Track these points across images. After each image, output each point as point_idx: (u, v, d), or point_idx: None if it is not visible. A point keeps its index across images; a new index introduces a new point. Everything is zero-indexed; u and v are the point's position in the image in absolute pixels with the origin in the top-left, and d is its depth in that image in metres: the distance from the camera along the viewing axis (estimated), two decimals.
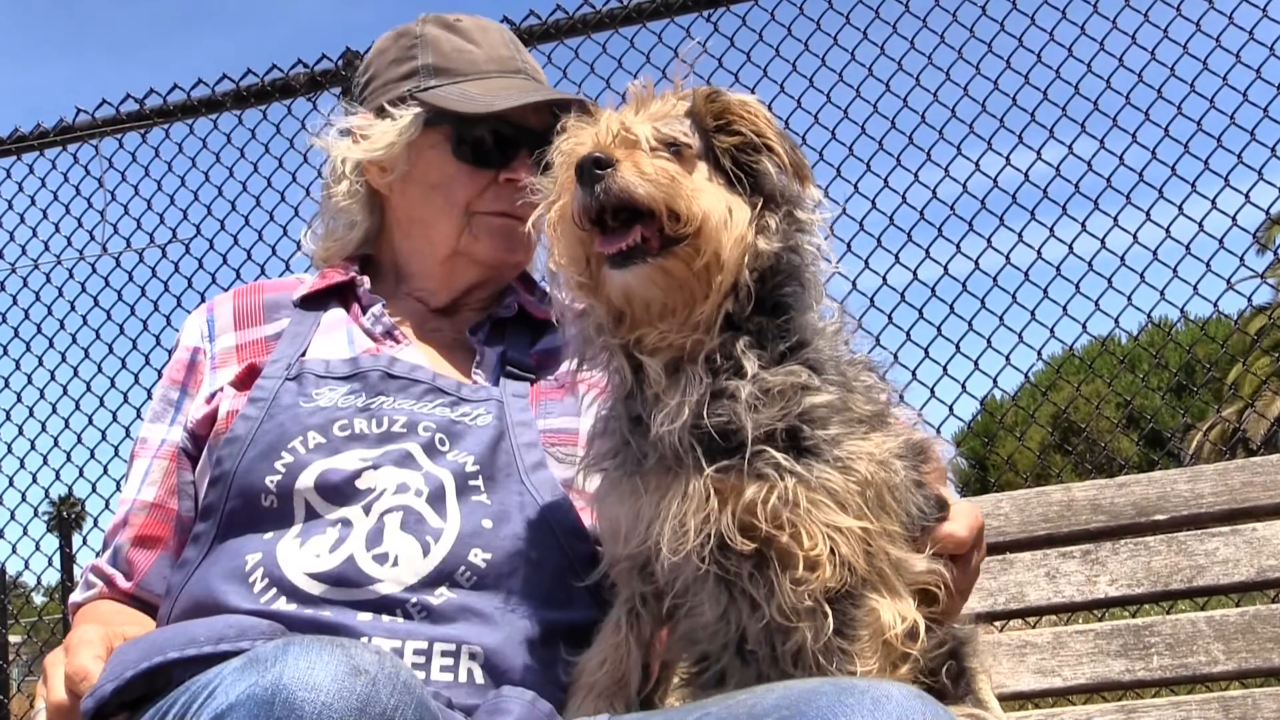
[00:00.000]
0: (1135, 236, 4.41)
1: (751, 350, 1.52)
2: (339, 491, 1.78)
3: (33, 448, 5.43)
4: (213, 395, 2.00)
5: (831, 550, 1.45)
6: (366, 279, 2.15)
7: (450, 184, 2.10)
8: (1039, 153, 4.59)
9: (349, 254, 2.23)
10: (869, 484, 1.50)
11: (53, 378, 5.48)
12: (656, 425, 1.52)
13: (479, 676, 1.66)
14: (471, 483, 1.81)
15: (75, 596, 2.01)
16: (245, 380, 1.98)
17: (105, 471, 5.38)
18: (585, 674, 1.65)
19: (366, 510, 1.76)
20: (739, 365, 1.51)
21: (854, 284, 4.37)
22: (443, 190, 2.11)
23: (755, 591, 1.50)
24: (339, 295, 2.15)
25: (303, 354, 2.00)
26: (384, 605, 1.68)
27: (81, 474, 5.41)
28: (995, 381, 4.57)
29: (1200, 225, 4.32)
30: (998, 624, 2.59)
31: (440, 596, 1.70)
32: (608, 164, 1.48)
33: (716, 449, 1.50)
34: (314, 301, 2.13)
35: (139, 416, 5.14)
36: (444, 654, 1.66)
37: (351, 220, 2.21)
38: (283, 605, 1.68)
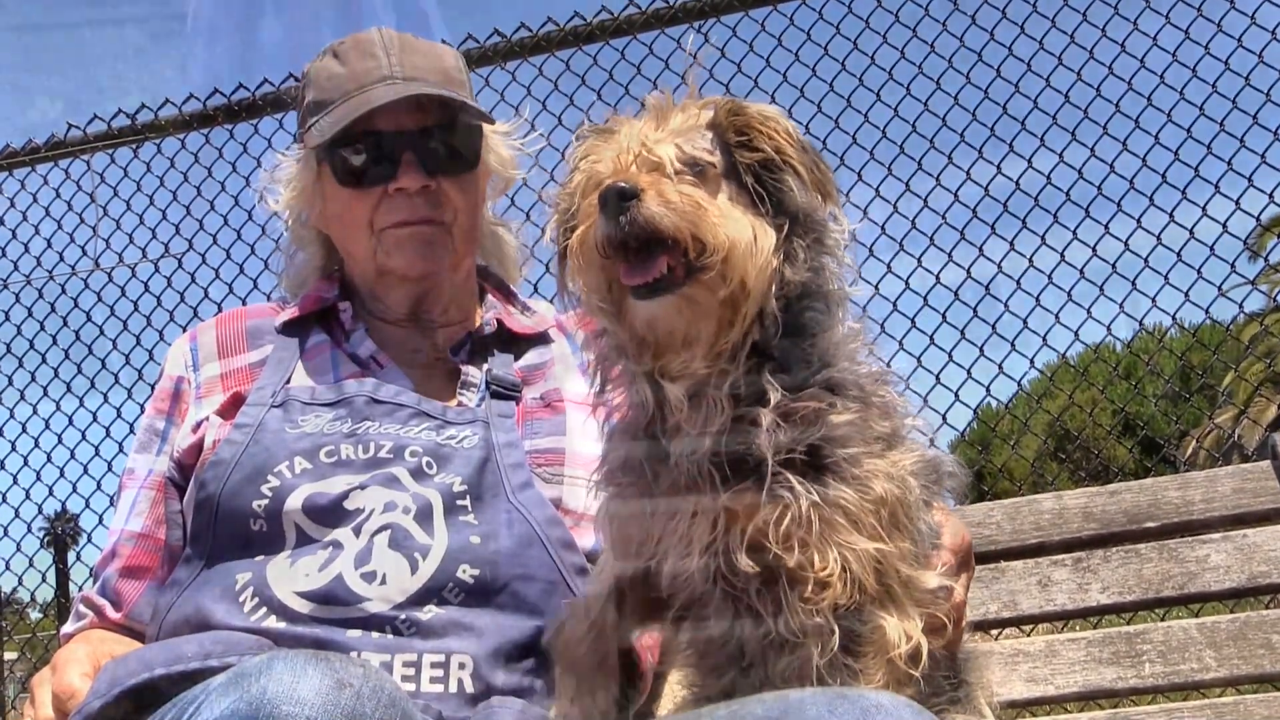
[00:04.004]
0: (1126, 244, 4.39)
1: (776, 377, 1.49)
2: (328, 514, 1.78)
3: (26, 464, 5.41)
4: (198, 424, 1.99)
5: (843, 569, 1.43)
6: (349, 304, 2.13)
7: (347, 211, 2.10)
8: (1030, 161, 4.58)
9: (323, 276, 2.24)
10: (883, 502, 1.48)
11: (45, 393, 5.46)
12: (676, 454, 1.50)
13: (469, 686, 1.66)
14: (459, 502, 1.81)
15: (66, 628, 2.00)
16: (230, 409, 1.97)
17: (99, 487, 5.34)
18: (567, 650, 1.59)
19: (357, 532, 1.75)
20: (762, 393, 1.48)
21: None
22: (345, 218, 2.11)
23: (762, 608, 1.49)
24: (321, 320, 2.14)
25: (287, 381, 1.99)
26: (373, 622, 1.67)
27: (75, 489, 5.39)
28: (988, 390, 4.56)
29: (1191, 232, 4.31)
30: (991, 633, 2.58)
31: (429, 613, 1.69)
32: (633, 195, 1.44)
33: (734, 473, 1.48)
34: (297, 327, 2.12)
35: (131, 431, 5.13)
36: (433, 665, 1.65)
37: (313, 250, 2.26)
38: (272, 623, 1.67)
